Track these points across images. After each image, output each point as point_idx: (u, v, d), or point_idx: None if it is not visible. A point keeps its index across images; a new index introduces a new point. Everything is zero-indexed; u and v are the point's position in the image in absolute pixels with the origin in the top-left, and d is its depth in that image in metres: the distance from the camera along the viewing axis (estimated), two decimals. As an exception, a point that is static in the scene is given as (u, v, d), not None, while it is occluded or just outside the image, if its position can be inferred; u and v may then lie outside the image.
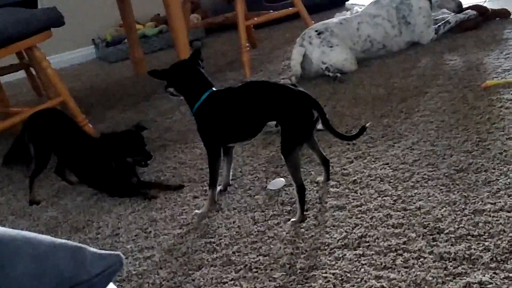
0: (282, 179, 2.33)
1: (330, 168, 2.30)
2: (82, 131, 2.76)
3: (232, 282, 1.77)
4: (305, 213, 2.04)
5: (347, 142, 2.50)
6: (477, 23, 3.88)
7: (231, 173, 2.38)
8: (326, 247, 1.84)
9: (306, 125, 2.04)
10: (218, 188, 2.32)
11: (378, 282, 1.62)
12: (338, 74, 3.50)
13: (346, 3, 6.24)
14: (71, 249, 0.84)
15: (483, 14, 3.94)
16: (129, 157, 2.49)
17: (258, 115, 2.11)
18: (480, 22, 3.89)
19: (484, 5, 4.11)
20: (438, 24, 3.85)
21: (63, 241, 0.85)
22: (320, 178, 2.27)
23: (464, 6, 3.89)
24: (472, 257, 1.63)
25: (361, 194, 2.12)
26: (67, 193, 2.70)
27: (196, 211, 2.25)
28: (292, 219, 2.05)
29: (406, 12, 3.75)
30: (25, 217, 2.54)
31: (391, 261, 1.69)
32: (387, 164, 2.29)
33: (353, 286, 1.63)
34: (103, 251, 0.87)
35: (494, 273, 1.54)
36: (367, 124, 2.17)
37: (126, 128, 2.58)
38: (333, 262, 1.75)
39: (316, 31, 3.69)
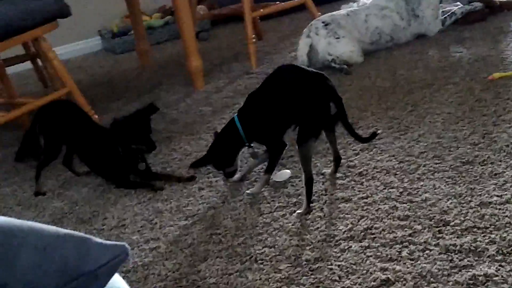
0: (288, 170, 2.32)
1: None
2: (92, 121, 2.75)
3: (237, 273, 1.78)
4: (311, 205, 2.04)
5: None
6: (484, 15, 3.87)
7: (254, 170, 2.39)
8: (331, 239, 1.84)
9: (322, 118, 2.04)
10: (236, 176, 2.35)
11: (383, 274, 1.62)
12: (345, 66, 3.49)
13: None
14: (76, 239, 0.84)
15: (490, 6, 3.93)
16: (133, 144, 2.49)
17: (287, 105, 2.11)
18: (487, 14, 3.88)
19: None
20: (444, 16, 3.84)
21: (68, 231, 0.85)
22: (327, 170, 2.27)
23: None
24: (478, 250, 1.63)
25: (367, 186, 2.12)
26: (73, 184, 2.70)
27: (247, 191, 2.24)
28: (298, 211, 2.05)
29: (415, 5, 3.74)
30: (31, 208, 2.54)
31: (397, 253, 1.69)
32: (393, 156, 2.29)
33: (359, 278, 1.63)
34: (108, 242, 0.87)
35: (500, 265, 1.54)
36: (379, 131, 2.22)
37: (139, 107, 2.56)
38: (339, 254, 1.75)
39: (323, 22, 3.68)
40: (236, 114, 2.29)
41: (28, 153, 2.88)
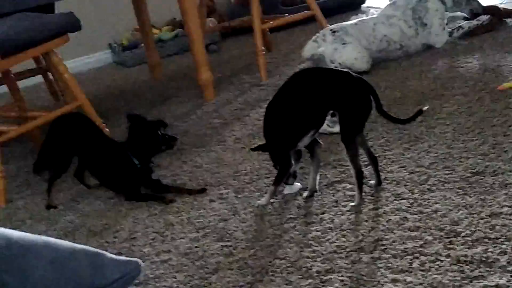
0: (298, 183, 2.32)
1: (346, 171, 2.31)
2: (103, 133, 2.77)
3: (248, 285, 1.78)
4: (322, 216, 2.04)
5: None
6: (491, 25, 3.88)
7: (318, 178, 2.28)
8: (342, 250, 1.84)
9: (366, 112, 2.06)
10: (305, 194, 2.27)
11: (394, 285, 1.62)
12: None
13: (362, 6, 6.23)
14: (90, 254, 0.85)
15: (495, 14, 3.94)
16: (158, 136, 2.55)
17: (317, 104, 2.09)
18: (495, 24, 3.88)
19: (498, 5, 4.11)
20: (452, 28, 3.85)
21: (83, 246, 0.86)
22: (372, 182, 2.22)
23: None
24: (489, 260, 1.62)
25: (377, 197, 2.12)
26: (84, 197, 2.71)
27: (258, 201, 2.24)
28: (351, 204, 2.09)
29: (423, 13, 3.75)
30: (43, 221, 2.56)
31: (408, 264, 1.69)
32: (403, 167, 2.29)
33: (370, 289, 1.64)
34: (121, 258, 0.88)
35: (511, 276, 1.54)
36: (424, 108, 2.22)
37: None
38: (350, 265, 1.75)
39: (331, 30, 3.72)
40: None
41: (46, 165, 2.89)
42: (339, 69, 2.09)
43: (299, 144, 2.18)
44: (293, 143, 2.17)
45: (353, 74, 2.07)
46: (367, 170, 2.19)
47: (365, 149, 2.18)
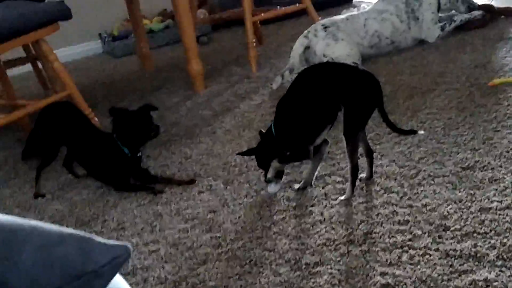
0: (280, 181, 2.30)
1: (336, 164, 2.31)
2: (91, 123, 2.76)
3: (237, 277, 1.77)
4: (311, 208, 2.04)
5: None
6: (484, 22, 3.88)
7: (316, 173, 2.27)
8: (331, 243, 1.84)
9: (370, 108, 2.05)
10: (296, 186, 2.26)
11: (383, 279, 1.62)
12: None
13: (354, 0, 6.23)
14: (78, 239, 0.84)
15: (490, 11, 3.95)
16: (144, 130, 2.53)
17: (329, 99, 2.05)
18: (487, 21, 3.89)
19: (491, 3, 4.12)
20: (444, 22, 3.85)
21: (71, 230, 0.85)
22: (363, 175, 2.21)
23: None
24: (478, 255, 1.63)
25: (367, 191, 2.12)
26: (72, 187, 2.70)
27: (340, 197, 2.14)
28: (340, 197, 2.09)
29: (416, 7, 3.75)
30: (31, 210, 2.54)
31: (397, 257, 1.69)
32: (393, 161, 2.29)
33: (358, 282, 1.63)
34: (110, 241, 0.87)
35: (500, 270, 1.55)
36: (420, 132, 2.30)
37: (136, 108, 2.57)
38: (338, 258, 1.75)
39: (323, 25, 3.70)
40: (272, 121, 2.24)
41: (34, 152, 2.88)
42: (347, 63, 2.06)
43: (316, 140, 2.16)
44: (312, 138, 2.15)
45: (361, 68, 2.06)
46: (360, 163, 2.18)
47: (363, 142, 2.16)
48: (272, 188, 2.26)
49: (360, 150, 2.14)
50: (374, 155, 2.21)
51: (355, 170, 2.07)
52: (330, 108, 2.05)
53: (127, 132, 2.50)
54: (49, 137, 2.67)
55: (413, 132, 2.15)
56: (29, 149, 2.91)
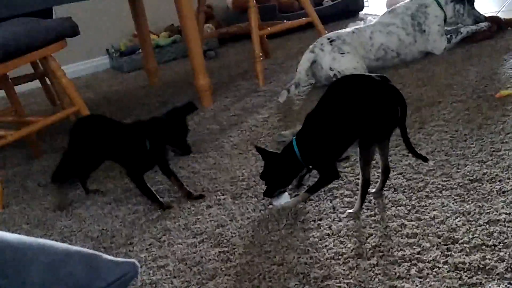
0: (286, 193, 2.31)
1: (344, 177, 2.31)
2: (122, 123, 2.66)
3: (246, 291, 1.77)
4: (319, 222, 2.04)
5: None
6: (491, 33, 3.89)
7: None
8: (340, 257, 1.83)
9: (387, 122, 2.00)
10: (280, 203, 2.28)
11: (392, 292, 1.61)
12: None
13: (360, 13, 6.25)
14: (86, 256, 0.85)
15: (497, 22, 3.95)
16: (169, 145, 2.47)
17: (356, 114, 2.01)
18: (493, 32, 3.90)
19: (497, 15, 4.13)
20: (450, 34, 3.86)
21: (78, 248, 0.86)
22: (371, 190, 2.20)
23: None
24: (487, 267, 1.62)
25: (375, 204, 2.11)
26: (81, 202, 2.71)
27: (349, 211, 2.12)
28: (349, 210, 2.08)
29: (422, 20, 3.76)
30: (40, 226, 2.55)
31: (406, 271, 1.69)
32: (401, 173, 2.29)
33: (367, 296, 1.63)
34: (118, 259, 0.87)
35: (509, 283, 1.54)
36: (430, 163, 2.29)
37: (177, 105, 2.51)
38: (347, 272, 1.75)
39: (329, 39, 3.72)
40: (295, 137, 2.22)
41: (69, 173, 2.85)
42: (376, 76, 2.03)
43: (343, 155, 2.17)
44: (340, 153, 2.15)
45: (387, 82, 2.01)
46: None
47: (383, 159, 2.13)
48: (278, 200, 2.27)
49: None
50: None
51: (366, 184, 2.05)
52: (356, 123, 2.01)
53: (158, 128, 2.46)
54: (91, 151, 2.65)
55: (425, 159, 2.10)
56: (63, 170, 2.86)
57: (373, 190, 2.20)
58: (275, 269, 1.84)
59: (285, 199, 2.28)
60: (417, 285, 1.61)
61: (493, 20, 3.98)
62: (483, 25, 3.88)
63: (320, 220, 2.07)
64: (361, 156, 2.03)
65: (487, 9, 4.26)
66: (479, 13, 3.94)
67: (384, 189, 2.19)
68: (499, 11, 4.38)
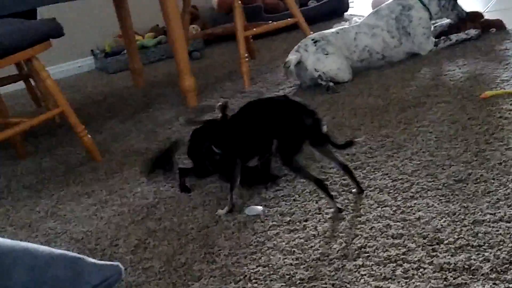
0: (260, 207, 2.27)
1: (329, 178, 2.31)
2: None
3: (231, 293, 1.77)
4: (305, 223, 2.04)
5: (346, 153, 2.49)
6: (501, 25, 3.96)
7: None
8: (325, 258, 1.83)
9: (298, 133, 2.06)
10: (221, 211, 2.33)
11: (378, 293, 1.61)
12: (331, 84, 3.52)
13: (345, 14, 6.26)
14: (69, 259, 0.84)
15: (476, 19, 3.99)
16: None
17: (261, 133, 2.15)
18: (479, 34, 3.92)
19: (479, 11, 4.17)
20: (439, 39, 3.87)
21: (62, 251, 0.85)
22: (354, 190, 2.22)
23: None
24: (472, 268, 1.62)
25: (360, 205, 2.11)
26: (66, 204, 2.69)
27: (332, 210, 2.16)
28: (332, 210, 2.11)
29: (406, 23, 3.77)
30: (24, 228, 2.53)
31: (391, 271, 1.69)
32: (387, 174, 2.29)
33: (353, 297, 1.63)
34: (101, 262, 0.87)
35: (494, 283, 1.54)
36: (357, 139, 2.28)
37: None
38: (333, 273, 1.75)
39: (313, 39, 3.72)
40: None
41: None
42: (277, 96, 2.15)
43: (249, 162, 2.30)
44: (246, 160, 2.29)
45: (290, 99, 2.13)
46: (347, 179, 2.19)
47: (334, 160, 2.17)
48: (249, 211, 2.26)
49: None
50: (367, 168, 2.20)
51: (319, 184, 2.08)
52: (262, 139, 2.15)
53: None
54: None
55: (350, 144, 2.14)
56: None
57: (354, 190, 2.21)
58: (261, 271, 1.84)
59: (257, 210, 2.26)
60: (402, 286, 1.62)
61: (475, 16, 4.02)
62: (473, 32, 3.89)
63: (306, 221, 2.07)
64: (291, 171, 2.15)
65: (472, 9, 4.27)
66: (461, 8, 3.95)
67: (369, 189, 2.20)
68: (484, 11, 4.39)
